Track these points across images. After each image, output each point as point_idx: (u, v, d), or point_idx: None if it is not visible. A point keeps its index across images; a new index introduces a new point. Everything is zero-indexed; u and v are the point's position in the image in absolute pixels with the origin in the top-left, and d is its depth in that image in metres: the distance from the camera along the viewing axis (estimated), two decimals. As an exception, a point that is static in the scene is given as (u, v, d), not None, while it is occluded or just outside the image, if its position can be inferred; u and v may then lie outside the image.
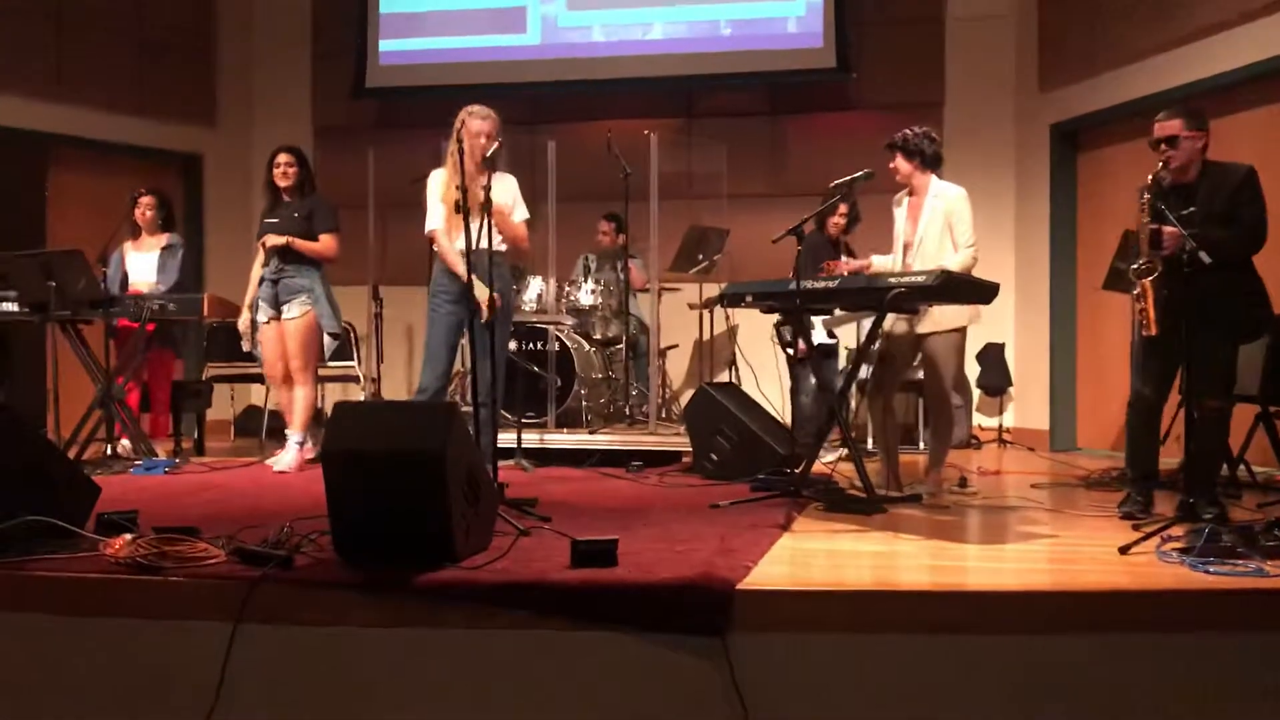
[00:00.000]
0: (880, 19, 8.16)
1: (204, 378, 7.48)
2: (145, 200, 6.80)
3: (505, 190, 5.32)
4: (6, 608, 3.25)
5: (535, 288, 6.98)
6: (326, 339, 6.10)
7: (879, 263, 5.32)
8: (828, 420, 5.07)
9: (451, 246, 5.29)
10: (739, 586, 3.05)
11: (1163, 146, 4.26)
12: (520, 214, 5.40)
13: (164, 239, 6.74)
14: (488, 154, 5.05)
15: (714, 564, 3.25)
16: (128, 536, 3.40)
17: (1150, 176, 4.26)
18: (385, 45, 8.79)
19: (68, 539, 3.48)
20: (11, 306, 6.27)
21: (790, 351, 6.16)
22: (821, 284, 4.70)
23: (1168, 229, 4.08)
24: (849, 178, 4.87)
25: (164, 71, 8.58)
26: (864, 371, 5.59)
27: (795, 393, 6.01)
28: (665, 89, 8.39)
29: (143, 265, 6.69)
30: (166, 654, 3.16)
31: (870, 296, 4.60)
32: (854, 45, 8.06)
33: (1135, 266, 4.15)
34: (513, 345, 6.68)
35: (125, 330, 6.44)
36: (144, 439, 6.36)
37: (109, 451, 6.07)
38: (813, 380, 6.43)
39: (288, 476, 5.69)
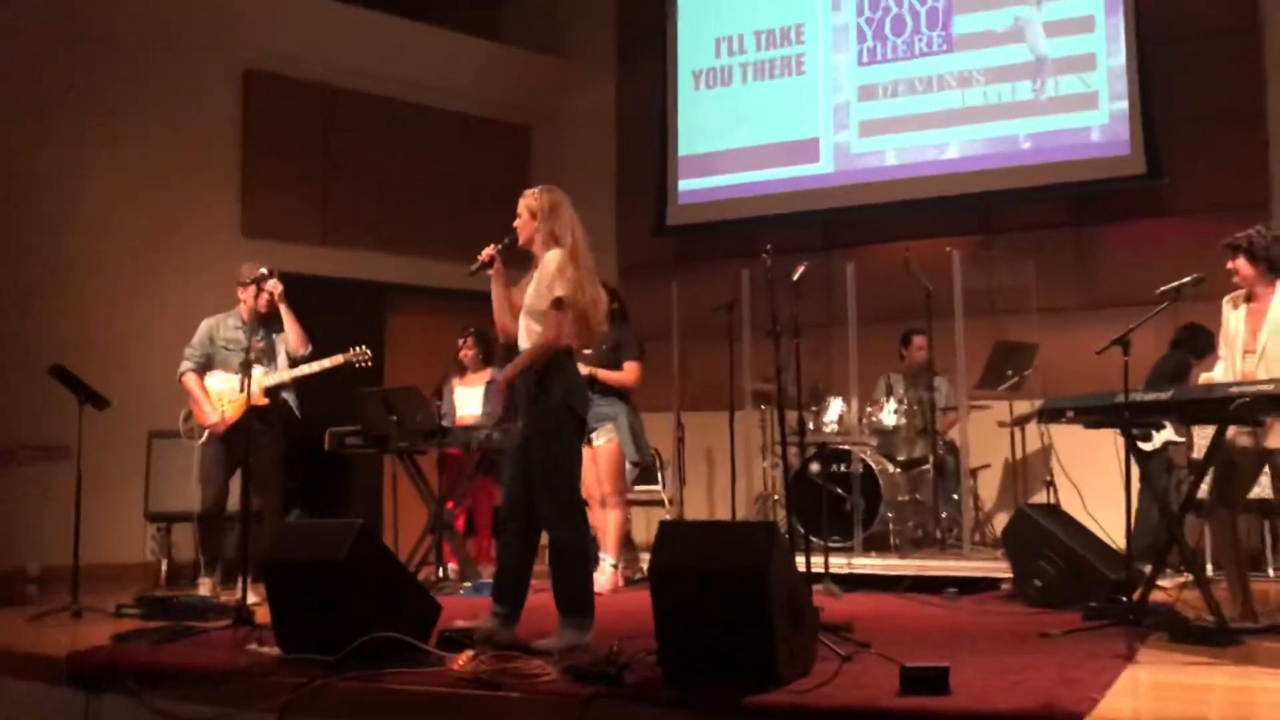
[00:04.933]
0: (1193, 121, 7.74)
1: (521, 504, 7.83)
2: (468, 340, 7.31)
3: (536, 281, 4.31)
4: (360, 718, 3.47)
5: (836, 408, 6.93)
6: (628, 466, 6.30)
7: (1211, 375, 4.94)
8: (1166, 542, 4.69)
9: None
10: (1086, 719, 2.84)
11: None
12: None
13: (487, 374, 7.19)
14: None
15: (1056, 694, 3.04)
16: (469, 653, 3.57)
17: None
18: (684, 185, 9.18)
19: (415, 654, 3.70)
20: (355, 440, 6.86)
21: (1143, 447, 5.73)
22: (1152, 396, 4.41)
23: None
24: (1177, 284, 4.59)
25: (483, 225, 9.25)
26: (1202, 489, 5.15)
27: (1141, 494, 5.59)
28: (963, 206, 8.26)
29: (469, 399, 7.16)
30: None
31: (1210, 408, 4.26)
32: (1165, 149, 7.68)
33: None
34: (815, 467, 6.64)
35: (454, 459, 6.89)
36: (470, 562, 6.71)
37: (441, 574, 6.44)
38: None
39: (605, 597, 5.83)
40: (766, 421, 7.50)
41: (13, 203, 7.48)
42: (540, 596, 4.35)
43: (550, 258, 4.24)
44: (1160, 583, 4.80)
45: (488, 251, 4.40)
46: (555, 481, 4.19)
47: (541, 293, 4.24)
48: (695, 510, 8.49)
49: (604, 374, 6.22)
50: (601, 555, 6.22)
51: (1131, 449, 4.69)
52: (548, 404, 4.21)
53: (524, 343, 4.33)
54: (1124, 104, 7.72)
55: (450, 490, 6.78)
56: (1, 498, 7.15)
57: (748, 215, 8.78)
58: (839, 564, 6.04)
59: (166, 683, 3.83)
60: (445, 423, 6.90)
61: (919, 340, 7.39)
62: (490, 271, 4.42)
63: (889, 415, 6.94)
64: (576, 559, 4.22)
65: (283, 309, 5.93)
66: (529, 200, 4.36)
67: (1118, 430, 4.78)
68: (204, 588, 5.78)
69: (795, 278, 5.19)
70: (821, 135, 8.66)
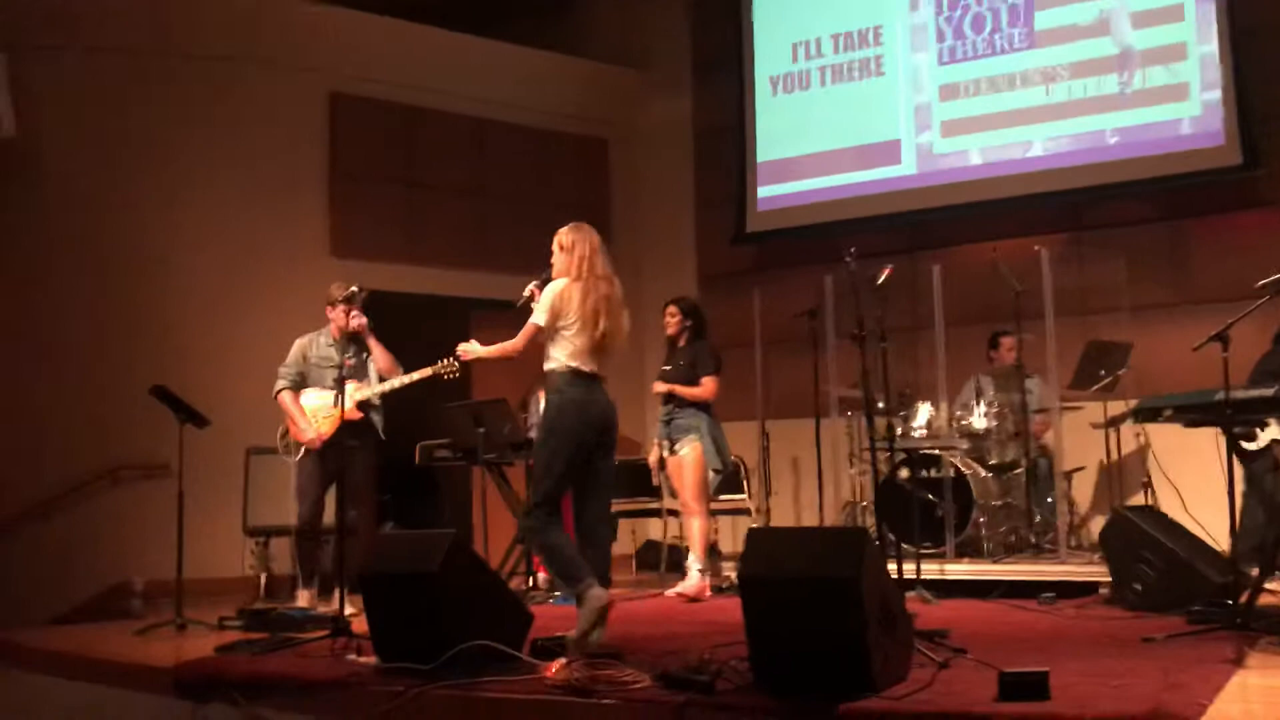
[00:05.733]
0: (1289, 110, 7.51)
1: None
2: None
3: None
4: (458, 726, 3.52)
5: (925, 413, 6.84)
6: (711, 475, 6.33)
7: None
8: (1274, 543, 4.54)
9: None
10: (1195, 725, 2.77)
11: None
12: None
13: (572, 385, 7.24)
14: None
15: (1163, 699, 2.97)
16: (562, 661, 3.60)
17: None
18: (763, 191, 9.18)
19: (509, 662, 3.75)
20: (445, 453, 6.96)
21: (1247, 446, 5.58)
22: (1255, 392, 4.28)
23: None
24: (1277, 276, 4.45)
25: (565, 236, 9.36)
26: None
27: (1246, 494, 5.44)
28: (1051, 204, 8.12)
29: (555, 410, 7.23)
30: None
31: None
32: (1260, 139, 7.46)
33: None
34: (904, 472, 6.59)
35: (541, 470, 6.95)
36: (559, 572, 6.77)
37: (530, 584, 6.50)
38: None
39: (694, 605, 5.88)
40: (853, 428, 7.44)
41: (111, 230, 7.75)
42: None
43: (549, 287, 4.64)
44: (1268, 585, 4.65)
45: (529, 289, 4.81)
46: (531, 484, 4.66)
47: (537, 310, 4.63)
48: (782, 519, 8.45)
49: (682, 390, 6.36)
50: (689, 562, 6.27)
51: (1234, 448, 4.56)
52: (542, 417, 4.66)
53: (547, 363, 4.65)
54: (1216, 94, 7.52)
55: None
56: (107, 516, 7.41)
57: (829, 219, 8.73)
58: (931, 570, 5.96)
59: (269, 692, 3.93)
60: (532, 434, 6.97)
61: (1008, 341, 7.27)
62: (533, 305, 4.73)
63: (979, 418, 6.84)
64: (538, 545, 4.66)
65: (370, 341, 6.02)
66: (558, 237, 4.74)
67: (1218, 429, 4.65)
68: (302, 600, 5.91)
69: (880, 281, 5.16)
70: (903, 137, 8.59)
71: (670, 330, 6.53)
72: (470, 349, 4.86)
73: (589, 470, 4.61)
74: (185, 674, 4.19)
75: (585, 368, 4.56)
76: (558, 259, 4.70)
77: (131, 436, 7.36)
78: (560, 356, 4.56)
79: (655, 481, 6.74)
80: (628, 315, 4.75)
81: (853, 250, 4.99)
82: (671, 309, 6.54)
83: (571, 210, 9.33)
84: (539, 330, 4.59)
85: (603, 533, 4.71)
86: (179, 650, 4.72)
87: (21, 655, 5.12)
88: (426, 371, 6.04)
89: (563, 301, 4.56)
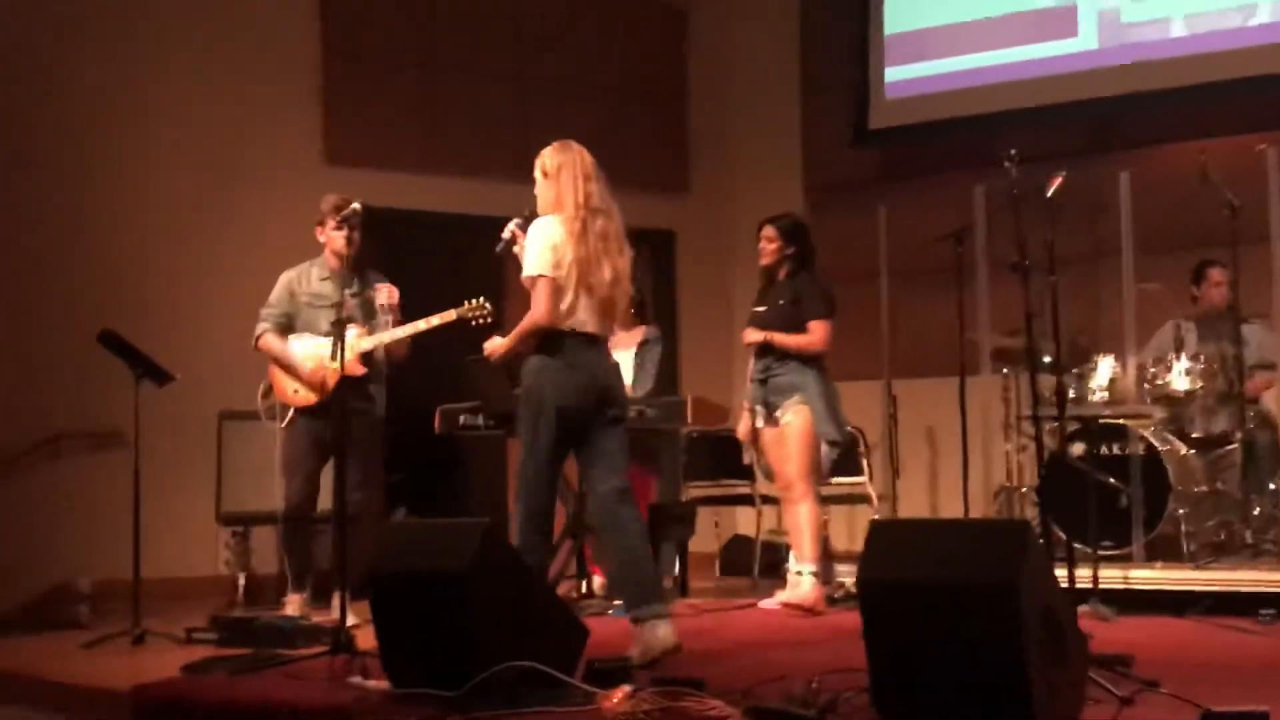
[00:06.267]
0: None
1: (684, 500, 7.88)
2: (616, 289, 7.37)
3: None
4: (491, 769, 3.57)
5: (1106, 369, 6.76)
6: (824, 448, 6.30)
7: None
8: None
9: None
10: None
11: None
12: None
13: (640, 333, 7.24)
14: None
15: None
16: (626, 689, 3.62)
17: None
18: (892, 74, 9.11)
19: (557, 689, 3.77)
20: (472, 419, 6.99)
21: None
22: None
23: None
24: None
25: (632, 138, 9.32)
26: None
27: None
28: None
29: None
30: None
31: None
32: None
33: None
34: (1078, 448, 6.54)
35: (599, 443, 6.98)
36: (621, 574, 6.81)
37: (584, 589, 6.54)
38: None
39: (801, 619, 5.89)
40: (1011, 389, 7.39)
41: (45, 139, 7.77)
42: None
43: (533, 227, 4.78)
44: None
45: (509, 228, 4.96)
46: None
47: (526, 267, 4.76)
48: (913, 508, 8.48)
49: (781, 338, 6.33)
50: (790, 563, 6.30)
51: None
52: (523, 390, 4.79)
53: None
54: None
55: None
56: (45, 499, 7.55)
57: (980, 111, 8.66)
58: (1112, 577, 5.96)
59: (250, 723, 4.00)
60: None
61: (1217, 274, 7.14)
62: (516, 250, 4.87)
63: (1179, 377, 6.73)
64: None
65: (391, 316, 6.06)
66: (541, 160, 4.90)
67: None
68: (291, 606, 5.99)
69: (1049, 194, 5.07)
70: (1080, 1, 8.43)
71: (766, 260, 6.50)
72: (494, 345, 4.96)
73: (592, 446, 4.81)
74: (145, 698, 4.27)
75: (579, 328, 4.70)
76: (541, 188, 4.83)
77: (76, 396, 7.49)
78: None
79: (746, 459, 6.73)
80: (629, 255, 4.86)
81: (1013, 152, 4.94)
82: (768, 231, 6.51)
83: (639, 102, 9.43)
84: (554, 284, 4.67)
85: (629, 520, 4.80)
86: (137, 669, 4.81)
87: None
88: (450, 315, 6.03)
89: (558, 244, 4.68)
